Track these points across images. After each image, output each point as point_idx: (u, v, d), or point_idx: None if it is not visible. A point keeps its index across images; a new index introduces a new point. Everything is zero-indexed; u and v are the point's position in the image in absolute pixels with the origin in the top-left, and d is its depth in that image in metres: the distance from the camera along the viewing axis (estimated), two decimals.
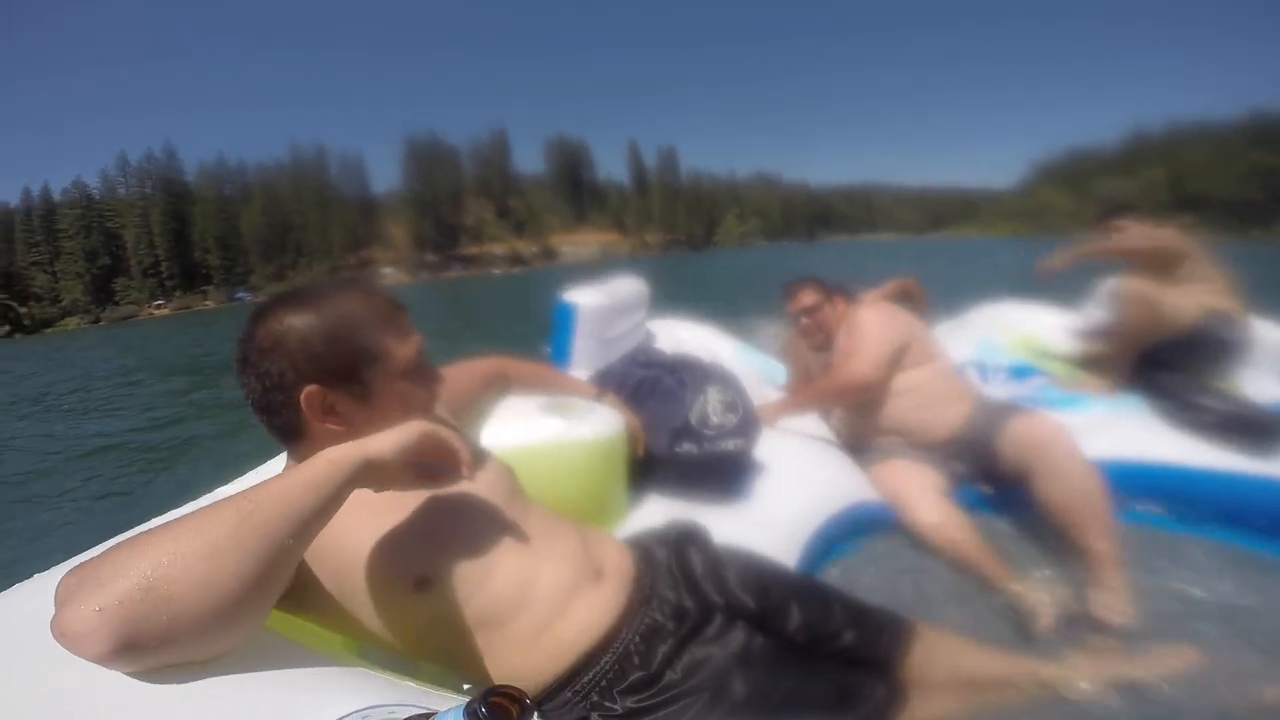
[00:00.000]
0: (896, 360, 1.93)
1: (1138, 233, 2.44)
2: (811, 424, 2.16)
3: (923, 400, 1.93)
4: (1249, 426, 1.81)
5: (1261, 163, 49.39)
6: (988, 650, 1.17)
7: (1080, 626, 1.36)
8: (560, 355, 1.93)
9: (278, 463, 1.02)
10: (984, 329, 2.72)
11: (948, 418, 1.89)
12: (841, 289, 2.18)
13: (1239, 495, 1.64)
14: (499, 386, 1.39)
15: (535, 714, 0.46)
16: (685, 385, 1.53)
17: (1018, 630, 1.38)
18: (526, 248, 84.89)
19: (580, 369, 1.85)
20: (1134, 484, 1.72)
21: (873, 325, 1.96)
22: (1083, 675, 1.14)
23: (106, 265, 68.52)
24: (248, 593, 0.57)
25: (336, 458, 0.67)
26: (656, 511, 1.42)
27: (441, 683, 0.80)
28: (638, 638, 0.90)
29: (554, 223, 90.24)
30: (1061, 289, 2.60)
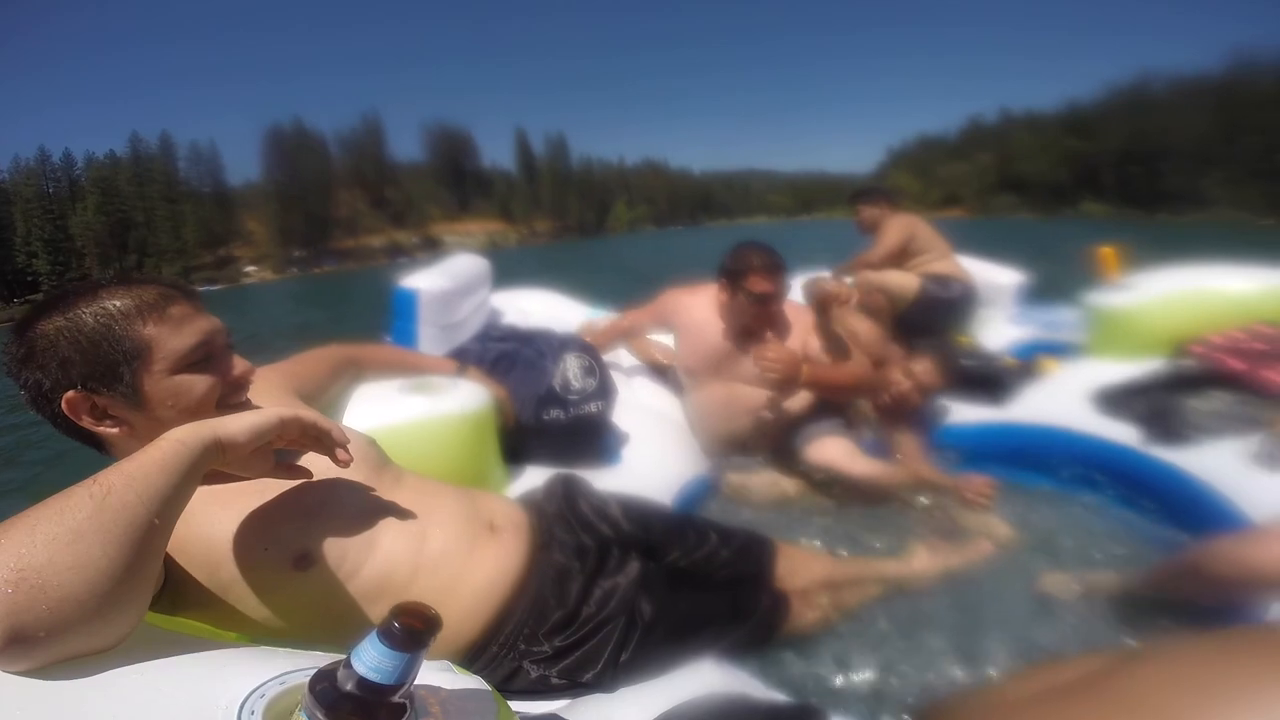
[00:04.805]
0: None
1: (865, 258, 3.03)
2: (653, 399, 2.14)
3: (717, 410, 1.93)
4: (984, 381, 2.14)
5: (1072, 148, 54.65)
6: (838, 557, 1.39)
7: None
8: (403, 343, 1.84)
9: None
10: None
11: (740, 426, 1.90)
12: None
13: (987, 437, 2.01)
14: (349, 374, 1.34)
15: (439, 630, 0.50)
16: (544, 354, 1.58)
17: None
18: (406, 239, 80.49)
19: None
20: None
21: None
22: (918, 568, 1.36)
23: None
24: (122, 574, 0.54)
25: (184, 437, 0.65)
26: (534, 480, 1.42)
27: None
28: (549, 582, 0.93)
29: (435, 212, 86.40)
30: None
